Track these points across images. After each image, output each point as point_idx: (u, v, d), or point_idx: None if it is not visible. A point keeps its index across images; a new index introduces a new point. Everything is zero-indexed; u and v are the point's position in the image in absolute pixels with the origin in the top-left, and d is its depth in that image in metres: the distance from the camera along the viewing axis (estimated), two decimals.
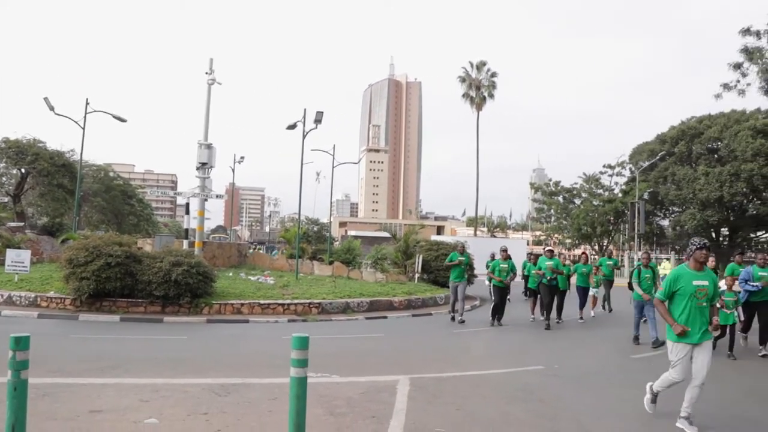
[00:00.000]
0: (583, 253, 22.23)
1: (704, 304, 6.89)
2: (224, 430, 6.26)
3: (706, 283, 6.94)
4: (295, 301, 18.02)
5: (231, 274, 25.05)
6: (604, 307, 20.80)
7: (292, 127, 26.46)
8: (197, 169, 22.31)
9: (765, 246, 61.00)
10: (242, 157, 58.49)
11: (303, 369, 4.95)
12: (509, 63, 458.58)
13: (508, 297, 18.83)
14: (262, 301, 17.59)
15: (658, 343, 12.51)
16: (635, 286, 13.87)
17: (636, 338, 13.80)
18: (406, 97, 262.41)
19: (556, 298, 17.06)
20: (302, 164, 26.54)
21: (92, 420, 6.47)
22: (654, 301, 7.52)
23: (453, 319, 17.49)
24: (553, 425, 6.94)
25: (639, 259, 15.00)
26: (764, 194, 54.86)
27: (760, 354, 12.12)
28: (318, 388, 8.12)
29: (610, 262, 21.47)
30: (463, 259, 17.58)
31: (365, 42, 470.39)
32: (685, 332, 6.74)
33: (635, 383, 9.30)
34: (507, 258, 17.29)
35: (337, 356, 10.88)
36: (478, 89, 58.07)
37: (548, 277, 16.62)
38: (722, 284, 12.38)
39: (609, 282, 20.80)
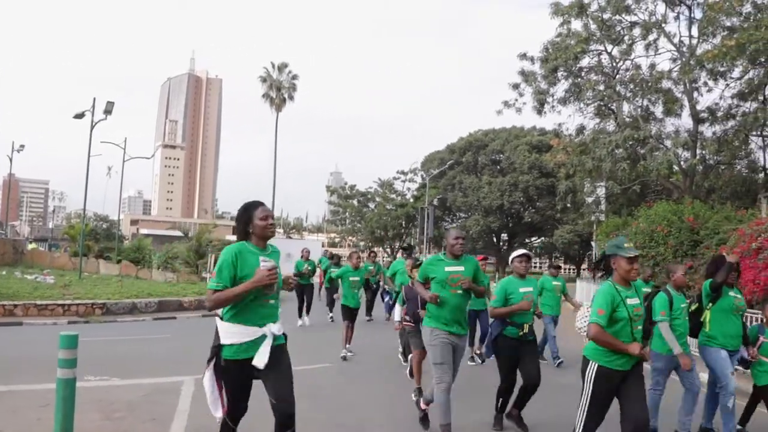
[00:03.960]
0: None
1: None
2: None
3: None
4: (77, 302, 16.98)
5: (5, 272, 23.16)
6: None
7: (80, 116, 24.97)
8: None
9: (538, 250, 66.88)
10: (22, 146, 53.92)
11: (71, 370, 4.73)
12: (312, 67, 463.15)
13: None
14: (38, 302, 16.36)
15: None
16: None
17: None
18: (206, 93, 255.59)
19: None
20: (89, 156, 25.08)
21: None
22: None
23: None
24: (335, 417, 7.20)
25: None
26: (537, 203, 60.03)
27: None
28: (96, 391, 7.75)
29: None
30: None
31: (165, 33, 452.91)
32: None
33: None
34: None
35: (119, 358, 10.43)
36: (279, 90, 58.01)
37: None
38: None
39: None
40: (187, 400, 7.57)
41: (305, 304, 16.52)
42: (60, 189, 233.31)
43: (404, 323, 8.60)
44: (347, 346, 11.53)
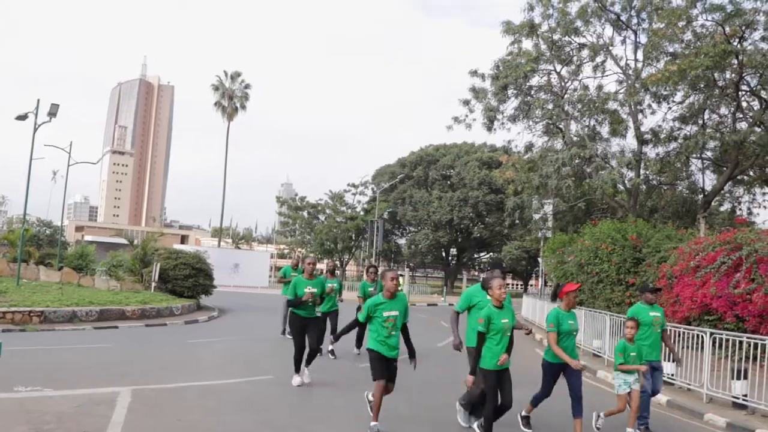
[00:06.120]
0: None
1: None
2: None
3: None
4: (13, 309, 16.43)
5: None
6: None
7: (23, 117, 24.33)
8: None
9: (486, 266, 67.51)
10: None
11: None
12: (266, 78, 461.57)
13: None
14: None
15: None
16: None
17: None
18: (157, 100, 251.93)
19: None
20: (31, 159, 24.47)
21: None
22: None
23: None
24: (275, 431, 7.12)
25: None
26: (487, 219, 60.75)
27: None
28: (26, 402, 7.54)
29: None
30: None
31: (116, 37, 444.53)
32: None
33: (361, 391, 9.71)
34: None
35: (54, 368, 10.13)
36: (231, 99, 57.64)
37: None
38: None
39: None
40: (122, 412, 7.39)
41: (309, 349, 10.17)
42: (1, 193, 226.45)
43: None
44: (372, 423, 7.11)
